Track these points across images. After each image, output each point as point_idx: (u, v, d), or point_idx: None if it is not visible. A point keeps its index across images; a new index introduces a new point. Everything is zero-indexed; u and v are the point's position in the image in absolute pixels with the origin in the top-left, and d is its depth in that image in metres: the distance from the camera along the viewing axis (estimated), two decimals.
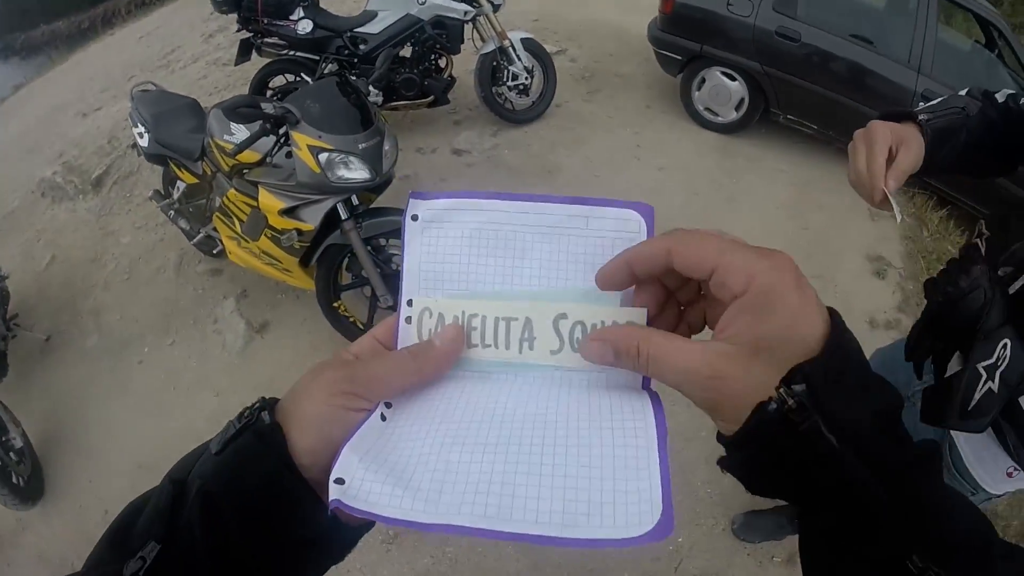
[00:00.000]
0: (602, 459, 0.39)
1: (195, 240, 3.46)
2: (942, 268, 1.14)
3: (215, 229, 3.19)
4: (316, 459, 0.41)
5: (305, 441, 0.41)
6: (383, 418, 0.45)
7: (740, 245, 0.40)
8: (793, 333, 0.37)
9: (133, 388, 3.31)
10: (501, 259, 0.50)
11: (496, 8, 4.36)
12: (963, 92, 1.27)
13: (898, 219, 1.03)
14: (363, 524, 0.45)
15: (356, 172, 2.60)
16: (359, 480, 0.39)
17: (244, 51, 4.39)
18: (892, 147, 1.07)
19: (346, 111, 2.68)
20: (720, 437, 0.42)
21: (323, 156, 2.53)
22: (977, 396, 1.00)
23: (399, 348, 0.50)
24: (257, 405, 0.44)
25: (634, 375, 0.47)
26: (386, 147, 2.73)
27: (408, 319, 0.51)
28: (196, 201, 3.30)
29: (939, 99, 1.24)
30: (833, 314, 0.39)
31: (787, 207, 4.53)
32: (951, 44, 4.84)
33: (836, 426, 0.35)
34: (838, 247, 4.27)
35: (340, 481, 0.39)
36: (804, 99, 4.73)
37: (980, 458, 1.25)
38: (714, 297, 0.42)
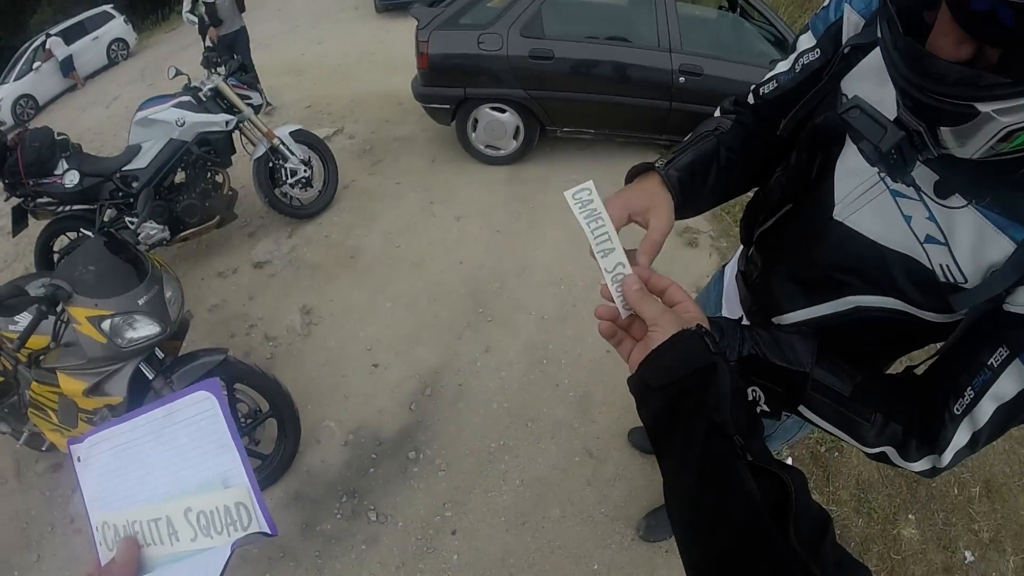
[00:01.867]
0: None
1: (21, 442, 3.12)
2: None
3: (35, 425, 2.90)
4: None
5: None
6: None
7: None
8: None
9: None
10: (138, 471, 0.61)
11: (257, 110, 4.29)
12: (716, 111, 1.26)
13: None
14: None
15: (144, 329, 2.45)
16: None
17: (19, 218, 4.06)
18: (635, 219, 0.97)
19: (117, 269, 2.52)
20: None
21: (105, 324, 2.36)
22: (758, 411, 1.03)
23: (102, 566, 0.60)
24: None
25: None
26: (168, 294, 2.58)
27: (100, 542, 0.63)
28: (9, 400, 3.01)
29: (690, 134, 1.19)
30: None
31: None
32: (696, 17, 5.32)
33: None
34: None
35: None
36: (574, 110, 4.97)
37: None
38: None
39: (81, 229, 4.09)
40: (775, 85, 1.18)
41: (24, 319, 2.50)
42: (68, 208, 4.04)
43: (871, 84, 0.93)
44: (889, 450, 0.94)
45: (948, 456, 0.88)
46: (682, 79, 4.72)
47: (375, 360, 3.55)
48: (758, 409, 1.02)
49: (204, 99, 4.12)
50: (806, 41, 1.12)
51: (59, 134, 4.03)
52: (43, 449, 3.19)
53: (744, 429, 0.64)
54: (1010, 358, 0.78)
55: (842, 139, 1.00)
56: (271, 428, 2.95)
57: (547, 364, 3.41)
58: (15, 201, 4.04)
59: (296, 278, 4.22)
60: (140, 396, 2.57)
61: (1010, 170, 0.76)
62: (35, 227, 4.22)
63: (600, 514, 2.74)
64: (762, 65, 4.74)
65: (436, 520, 2.75)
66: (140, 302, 2.45)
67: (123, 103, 6.65)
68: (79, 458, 0.64)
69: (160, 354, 2.57)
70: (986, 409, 0.82)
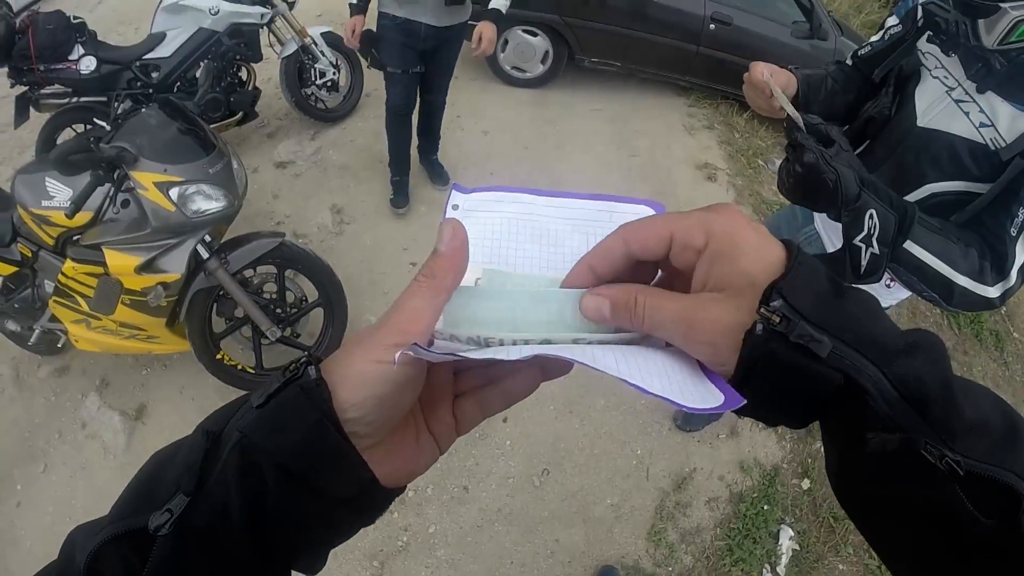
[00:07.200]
0: (664, 368, 0.40)
1: (31, 342, 2.89)
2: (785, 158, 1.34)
3: (53, 318, 2.70)
4: (363, 413, 0.40)
5: (353, 397, 0.39)
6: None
7: (686, 212, 0.42)
8: (762, 265, 0.38)
9: (20, 538, 2.67)
10: (537, 247, 0.52)
11: (291, 6, 4.12)
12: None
13: (794, 116, 1.32)
14: (399, 487, 0.45)
15: (214, 201, 2.37)
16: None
17: (21, 109, 3.76)
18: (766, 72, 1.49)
19: (184, 136, 2.40)
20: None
21: (175, 191, 2.27)
22: (864, 263, 1.26)
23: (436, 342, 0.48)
24: (303, 360, 0.41)
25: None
26: (235, 166, 2.52)
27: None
28: (20, 294, 2.75)
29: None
30: (786, 241, 0.40)
31: (612, 140, 4.78)
32: None
33: (824, 327, 0.36)
34: (667, 164, 4.59)
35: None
36: (604, 41, 5.01)
37: None
38: (677, 273, 0.43)
39: (94, 120, 3.86)
40: (870, 48, 1.73)
41: (61, 193, 2.35)
42: (77, 99, 3.80)
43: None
44: (969, 282, 1.31)
45: (1014, 276, 1.31)
46: (712, 26, 4.86)
47: (413, 259, 3.60)
48: (868, 253, 1.25)
49: None
50: (892, 21, 1.69)
51: (75, 17, 3.76)
52: (59, 347, 3.00)
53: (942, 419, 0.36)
54: None
55: (918, 75, 1.56)
56: (314, 321, 2.95)
57: None
58: (20, 90, 3.75)
59: (323, 179, 4.18)
60: (190, 279, 2.50)
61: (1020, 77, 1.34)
62: (36, 120, 3.90)
63: (641, 405, 2.97)
64: (785, 24, 4.98)
65: None
66: (211, 171, 2.37)
67: (110, 6, 6.30)
68: (456, 206, 0.53)
69: (207, 236, 2.47)
70: None
